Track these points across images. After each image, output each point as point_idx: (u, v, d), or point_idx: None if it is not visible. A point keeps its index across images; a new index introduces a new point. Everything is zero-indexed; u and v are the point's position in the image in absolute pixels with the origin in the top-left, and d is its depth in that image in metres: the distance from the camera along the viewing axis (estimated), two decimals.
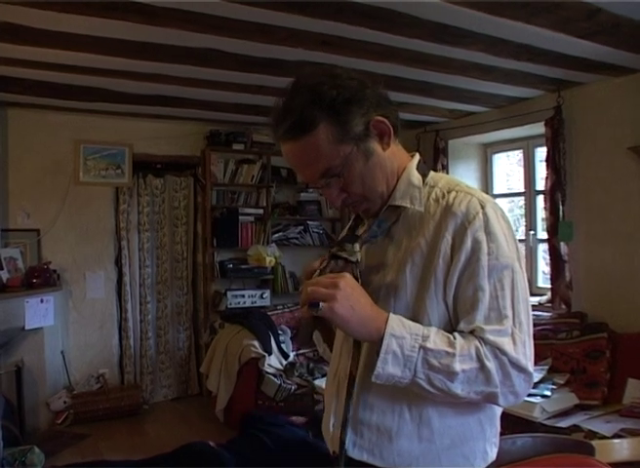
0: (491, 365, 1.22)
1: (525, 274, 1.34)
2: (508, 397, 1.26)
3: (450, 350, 1.22)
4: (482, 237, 1.28)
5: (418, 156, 1.50)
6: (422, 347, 1.22)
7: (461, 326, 1.28)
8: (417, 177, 1.43)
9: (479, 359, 1.22)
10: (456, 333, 1.26)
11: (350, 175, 1.35)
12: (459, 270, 1.29)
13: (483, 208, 1.31)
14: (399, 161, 1.45)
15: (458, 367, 1.21)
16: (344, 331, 1.32)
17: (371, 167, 1.37)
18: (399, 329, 1.24)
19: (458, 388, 1.23)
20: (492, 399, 1.27)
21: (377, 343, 1.24)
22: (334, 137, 1.31)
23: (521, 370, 1.24)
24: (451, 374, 1.22)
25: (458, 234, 1.30)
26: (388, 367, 1.23)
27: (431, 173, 1.47)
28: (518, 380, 1.24)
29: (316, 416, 4.64)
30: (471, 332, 1.26)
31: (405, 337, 1.23)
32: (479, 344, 1.23)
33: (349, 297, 1.24)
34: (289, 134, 1.33)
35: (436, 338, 1.24)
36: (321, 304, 1.23)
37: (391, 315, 1.27)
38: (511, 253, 1.30)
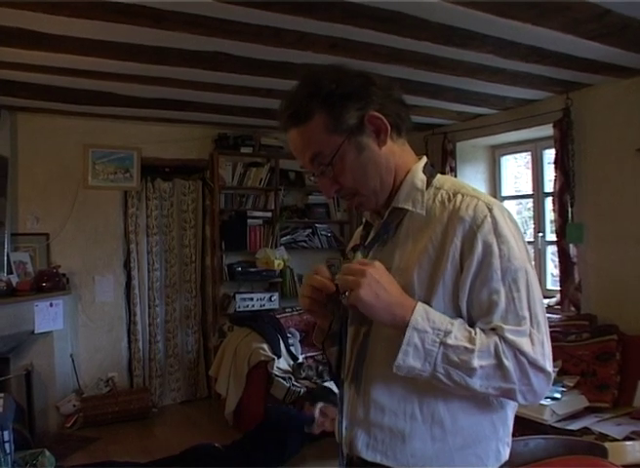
0: (509, 363, 1.23)
1: (536, 274, 1.35)
2: (527, 395, 1.27)
3: (469, 346, 1.24)
4: (492, 240, 1.28)
5: (425, 158, 1.51)
6: (443, 343, 1.24)
7: (479, 326, 1.29)
8: (420, 180, 1.43)
9: (497, 355, 1.23)
10: (477, 329, 1.27)
11: (341, 165, 1.39)
12: (471, 275, 1.29)
13: (490, 211, 1.31)
14: (400, 161, 1.45)
15: (476, 363, 1.22)
16: (369, 316, 1.33)
17: (362, 161, 1.39)
18: (423, 322, 1.25)
19: (476, 384, 1.24)
20: (510, 395, 1.29)
21: (400, 331, 1.26)
22: (326, 128, 1.36)
23: (540, 369, 1.25)
24: (469, 370, 1.23)
25: (467, 239, 1.30)
26: (409, 359, 1.25)
27: (438, 175, 1.47)
28: (537, 380, 1.25)
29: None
30: (492, 329, 1.27)
31: (427, 332, 1.25)
32: (499, 341, 1.24)
33: (374, 285, 1.26)
34: (288, 122, 1.41)
35: (457, 333, 1.25)
36: (345, 294, 1.30)
37: (418, 306, 1.28)
38: (522, 254, 1.31)
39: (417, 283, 1.33)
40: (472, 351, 1.23)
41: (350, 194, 1.45)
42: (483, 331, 1.27)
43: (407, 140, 1.49)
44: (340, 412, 1.48)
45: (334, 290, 1.35)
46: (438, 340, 1.24)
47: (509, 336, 1.24)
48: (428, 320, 1.26)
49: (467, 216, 1.31)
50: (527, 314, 1.27)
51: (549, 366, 1.26)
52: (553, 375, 1.28)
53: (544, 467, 2.08)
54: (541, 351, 1.25)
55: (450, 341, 1.24)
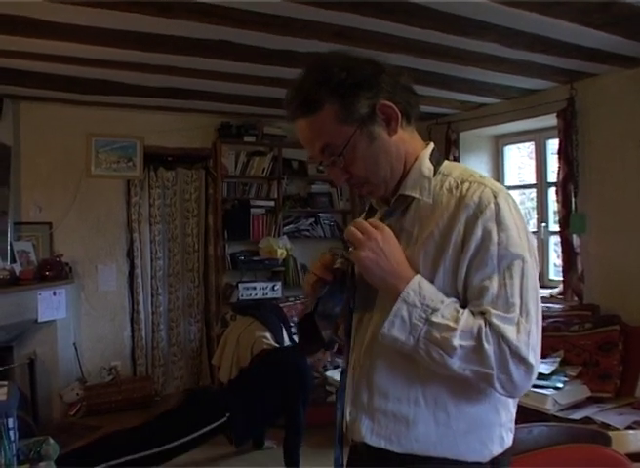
0: (489, 347, 1.22)
1: (537, 265, 1.34)
2: (505, 385, 1.25)
3: (452, 324, 1.24)
4: (492, 227, 1.28)
5: (432, 145, 1.51)
6: (428, 320, 1.25)
7: (470, 308, 1.29)
8: (428, 167, 1.43)
9: (479, 338, 1.22)
10: (466, 310, 1.27)
11: (352, 155, 1.38)
12: (468, 259, 1.29)
13: (495, 197, 1.31)
14: (410, 148, 1.45)
15: (456, 342, 1.22)
16: (365, 277, 1.35)
17: (374, 150, 1.39)
18: (414, 296, 1.27)
19: (455, 364, 1.24)
20: (487, 381, 1.26)
21: (392, 300, 1.29)
22: (337, 118, 1.35)
23: (521, 359, 1.22)
24: (449, 348, 1.23)
25: (469, 224, 1.30)
26: (394, 329, 1.28)
27: (445, 161, 1.47)
28: (517, 371, 1.23)
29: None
30: (481, 313, 1.26)
31: (416, 306, 1.27)
32: (483, 324, 1.23)
33: (376, 250, 1.30)
34: (296, 112, 1.40)
35: (445, 312, 1.26)
36: (351, 249, 1.34)
37: (413, 280, 1.29)
38: (522, 243, 1.30)
39: (422, 268, 1.34)
40: (454, 330, 1.23)
41: (360, 183, 1.45)
42: (472, 313, 1.26)
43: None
44: (343, 399, 1.49)
45: (330, 278, 1.42)
46: (425, 316, 1.26)
47: (495, 321, 1.23)
48: (420, 295, 1.28)
49: (472, 202, 1.31)
50: (517, 302, 1.26)
51: (533, 357, 1.24)
52: (536, 369, 1.25)
53: (548, 455, 2.08)
54: (526, 340, 1.23)
55: (435, 319, 1.25)
